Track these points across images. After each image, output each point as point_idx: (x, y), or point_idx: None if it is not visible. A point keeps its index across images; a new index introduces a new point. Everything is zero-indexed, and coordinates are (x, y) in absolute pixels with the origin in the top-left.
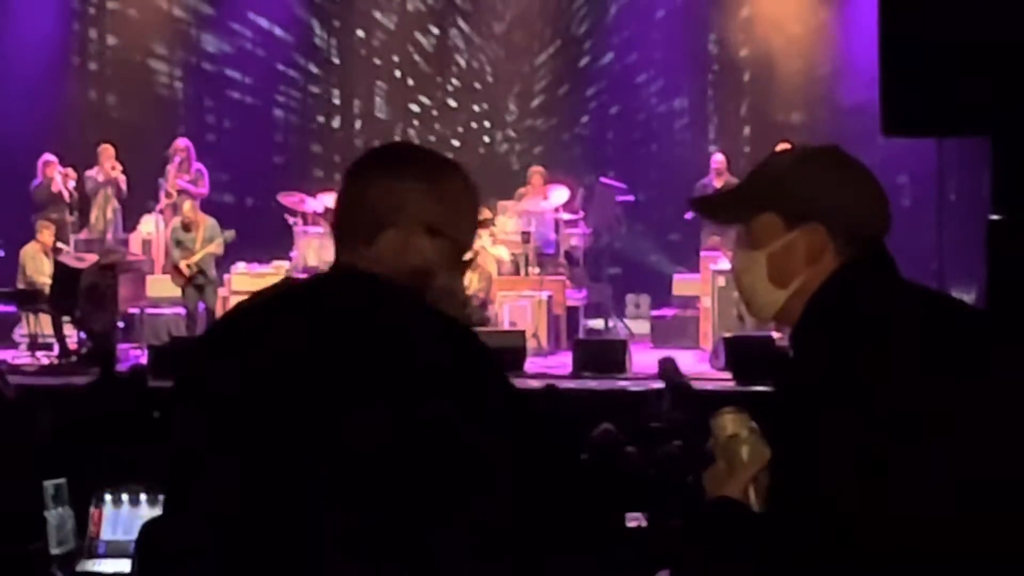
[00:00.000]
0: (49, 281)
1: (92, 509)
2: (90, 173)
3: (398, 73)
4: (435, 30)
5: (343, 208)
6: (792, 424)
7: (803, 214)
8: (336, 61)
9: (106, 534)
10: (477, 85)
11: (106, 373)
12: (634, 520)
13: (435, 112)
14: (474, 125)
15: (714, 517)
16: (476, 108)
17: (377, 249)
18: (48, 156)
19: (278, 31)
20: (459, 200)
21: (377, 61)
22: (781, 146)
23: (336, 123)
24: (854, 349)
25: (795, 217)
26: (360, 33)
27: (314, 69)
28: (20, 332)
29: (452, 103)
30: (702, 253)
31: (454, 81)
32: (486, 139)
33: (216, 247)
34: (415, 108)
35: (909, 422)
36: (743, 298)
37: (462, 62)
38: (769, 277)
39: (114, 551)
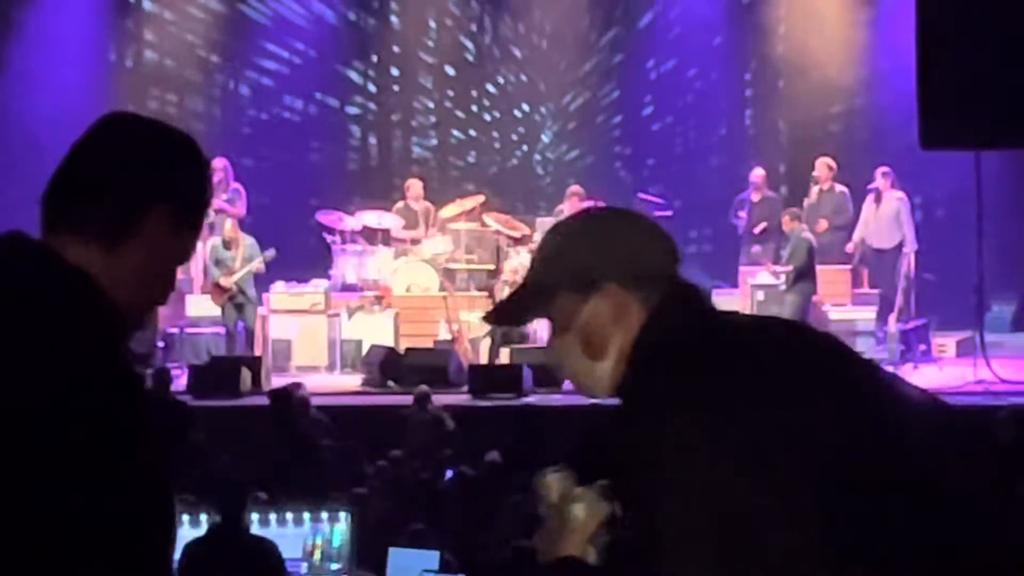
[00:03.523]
0: None
1: None
2: None
3: (435, 92)
4: (472, 49)
5: None
6: (629, 476)
7: (592, 281)
8: (372, 88)
9: None
10: (514, 105)
11: (154, 392)
12: None
13: (472, 131)
14: (512, 143)
15: None
16: (513, 126)
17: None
18: None
19: (314, 51)
20: None
21: (414, 79)
22: (818, 161)
23: (373, 141)
24: (677, 393)
25: (586, 287)
26: (397, 52)
27: (351, 87)
28: None
29: (489, 122)
30: (741, 268)
31: (491, 99)
32: (523, 157)
33: (256, 266)
34: (452, 126)
35: (741, 456)
36: (576, 386)
37: (499, 80)
38: (587, 354)
39: None
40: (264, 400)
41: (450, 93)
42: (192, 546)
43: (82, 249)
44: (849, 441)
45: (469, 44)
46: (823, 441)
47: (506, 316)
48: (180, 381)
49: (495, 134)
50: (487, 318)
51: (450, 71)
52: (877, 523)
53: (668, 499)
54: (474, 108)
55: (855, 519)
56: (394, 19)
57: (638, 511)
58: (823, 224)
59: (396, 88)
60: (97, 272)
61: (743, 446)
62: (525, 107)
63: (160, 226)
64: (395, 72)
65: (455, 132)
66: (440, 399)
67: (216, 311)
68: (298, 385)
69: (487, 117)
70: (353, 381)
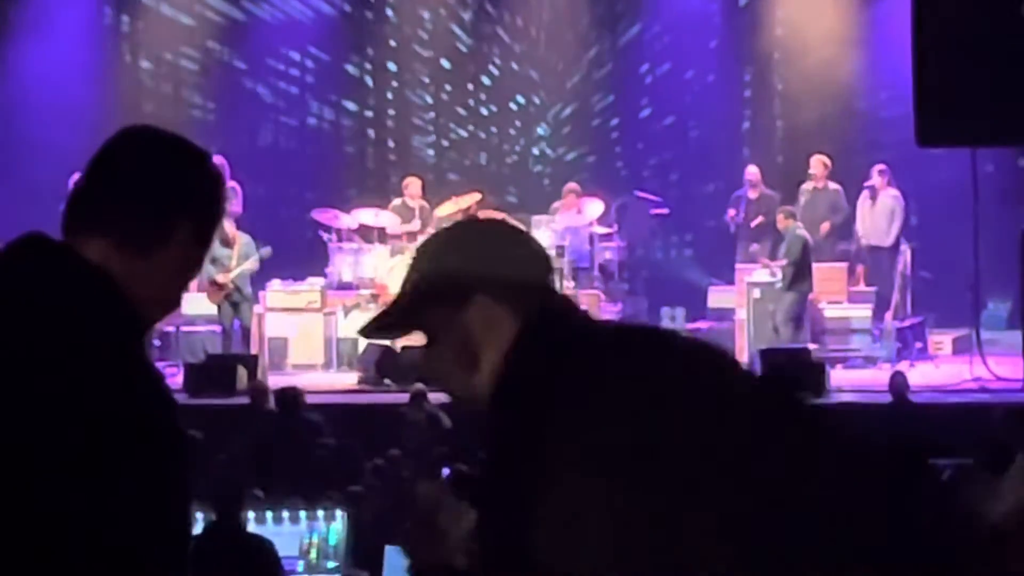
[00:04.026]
0: None
1: None
2: None
3: (431, 88)
4: (468, 47)
5: None
6: (497, 485)
7: (464, 293)
8: (368, 83)
9: None
10: (510, 102)
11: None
12: None
13: (468, 128)
14: (507, 141)
15: None
16: (509, 124)
17: None
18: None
19: (312, 47)
20: None
21: (410, 76)
22: (814, 158)
23: (370, 139)
24: (547, 405)
25: (458, 299)
26: (393, 47)
27: (347, 84)
28: None
29: (485, 119)
30: (737, 266)
31: (487, 97)
32: (519, 154)
33: (252, 264)
34: (448, 123)
35: (611, 465)
36: (451, 398)
37: (495, 78)
38: (460, 366)
39: None
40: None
41: (444, 95)
42: None
43: (110, 253)
44: (702, 450)
45: (465, 38)
46: (681, 451)
47: (380, 331)
48: (176, 379)
49: (493, 129)
50: (362, 332)
51: (447, 70)
52: (730, 528)
53: (542, 508)
54: (471, 102)
55: (710, 524)
56: (389, 12)
57: (507, 520)
58: (825, 227)
59: (394, 83)
60: (121, 274)
61: (613, 454)
62: (521, 99)
63: (185, 238)
64: (392, 67)
65: (452, 126)
66: (436, 397)
67: (212, 309)
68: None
69: (483, 112)
70: (349, 379)
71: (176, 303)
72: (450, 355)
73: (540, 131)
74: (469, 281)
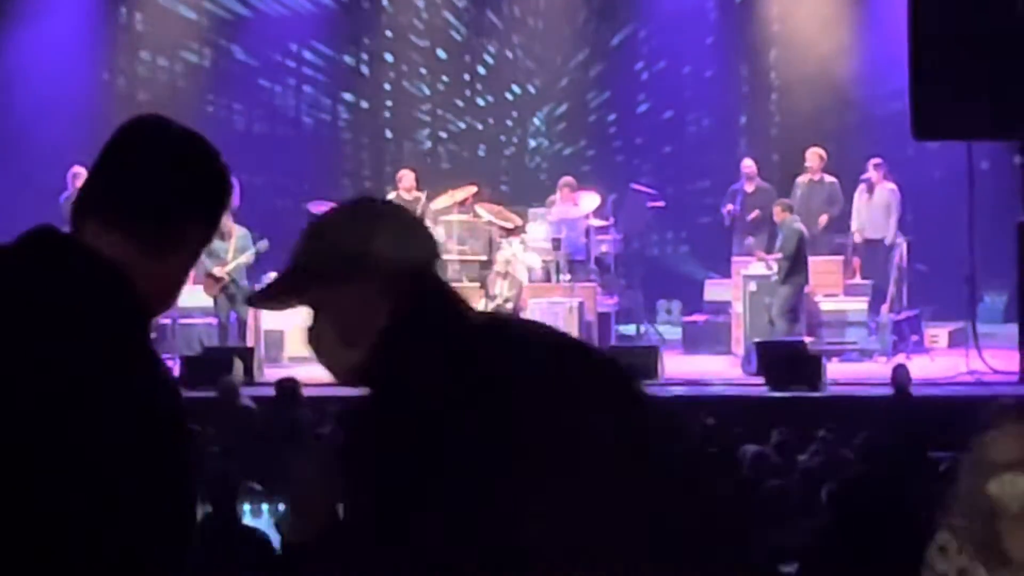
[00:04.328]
0: None
1: None
2: None
3: (427, 81)
4: (465, 40)
5: None
6: (360, 462)
7: (346, 274)
8: (364, 69)
9: None
10: (506, 94)
11: None
12: None
13: (464, 121)
14: (503, 134)
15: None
16: (505, 116)
17: None
18: (78, 168)
19: (309, 39)
20: None
21: (406, 68)
22: (810, 151)
23: (366, 130)
24: (407, 386)
25: (340, 279)
26: (390, 37)
27: (343, 78)
28: None
29: (482, 112)
30: (733, 258)
31: (484, 89)
32: (516, 147)
33: (248, 257)
34: (444, 116)
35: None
36: (330, 373)
37: (492, 70)
38: (340, 342)
39: None
40: (257, 391)
41: (440, 87)
42: None
43: (125, 250)
44: (539, 434)
45: (464, 39)
46: (522, 435)
47: (268, 301)
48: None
49: (490, 120)
50: (249, 301)
51: (444, 62)
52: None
53: (397, 484)
54: (467, 92)
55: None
56: (385, 1)
57: (369, 496)
58: (824, 219)
59: (391, 74)
60: (133, 271)
61: (462, 436)
62: (517, 99)
63: (196, 240)
64: (389, 58)
65: (449, 117)
66: None
67: (208, 302)
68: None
69: (481, 111)
70: None
71: (176, 298)
72: (331, 330)
73: (536, 121)
74: (353, 261)
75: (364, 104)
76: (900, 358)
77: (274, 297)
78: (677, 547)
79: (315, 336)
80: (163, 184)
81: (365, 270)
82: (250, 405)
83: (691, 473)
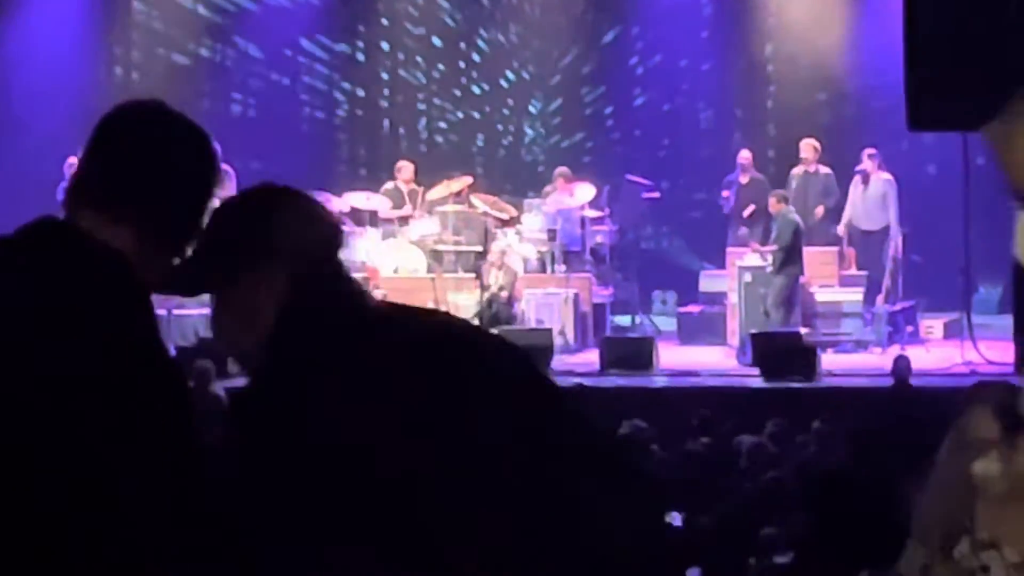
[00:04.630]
0: None
1: None
2: None
3: (423, 71)
4: (462, 30)
5: None
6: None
7: (247, 259)
8: (361, 58)
9: None
10: (503, 83)
11: None
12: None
13: (460, 111)
14: (499, 124)
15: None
16: (501, 107)
17: None
18: (74, 159)
19: (306, 29)
20: None
21: (402, 58)
22: (804, 142)
23: (361, 122)
24: (296, 372)
25: (241, 265)
26: (386, 27)
27: (340, 68)
28: None
29: (478, 102)
30: (728, 249)
31: (480, 78)
32: (511, 138)
33: None
34: (441, 106)
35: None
36: (230, 355)
37: (489, 60)
38: (240, 327)
39: None
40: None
41: (437, 78)
42: None
43: (133, 243)
44: (434, 423)
45: (461, 29)
46: (413, 424)
47: (171, 286)
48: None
49: (487, 108)
50: (156, 289)
51: (440, 52)
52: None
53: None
54: (463, 80)
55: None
56: None
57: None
58: (820, 210)
59: (387, 63)
60: (138, 262)
61: (346, 423)
62: (513, 89)
63: (196, 233)
64: (385, 46)
65: (447, 106)
66: None
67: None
68: None
69: (477, 101)
70: None
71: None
72: (232, 315)
73: (532, 110)
74: (250, 248)
75: (360, 92)
76: (895, 349)
77: (176, 283)
78: (573, 545)
79: (216, 322)
80: (155, 170)
81: (263, 257)
82: (220, 394)
83: (592, 463)
